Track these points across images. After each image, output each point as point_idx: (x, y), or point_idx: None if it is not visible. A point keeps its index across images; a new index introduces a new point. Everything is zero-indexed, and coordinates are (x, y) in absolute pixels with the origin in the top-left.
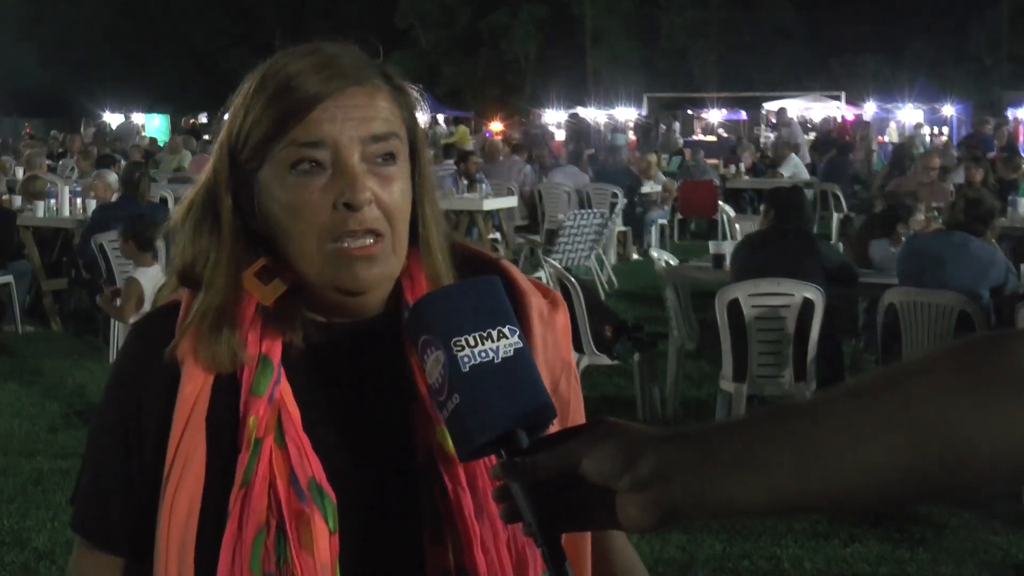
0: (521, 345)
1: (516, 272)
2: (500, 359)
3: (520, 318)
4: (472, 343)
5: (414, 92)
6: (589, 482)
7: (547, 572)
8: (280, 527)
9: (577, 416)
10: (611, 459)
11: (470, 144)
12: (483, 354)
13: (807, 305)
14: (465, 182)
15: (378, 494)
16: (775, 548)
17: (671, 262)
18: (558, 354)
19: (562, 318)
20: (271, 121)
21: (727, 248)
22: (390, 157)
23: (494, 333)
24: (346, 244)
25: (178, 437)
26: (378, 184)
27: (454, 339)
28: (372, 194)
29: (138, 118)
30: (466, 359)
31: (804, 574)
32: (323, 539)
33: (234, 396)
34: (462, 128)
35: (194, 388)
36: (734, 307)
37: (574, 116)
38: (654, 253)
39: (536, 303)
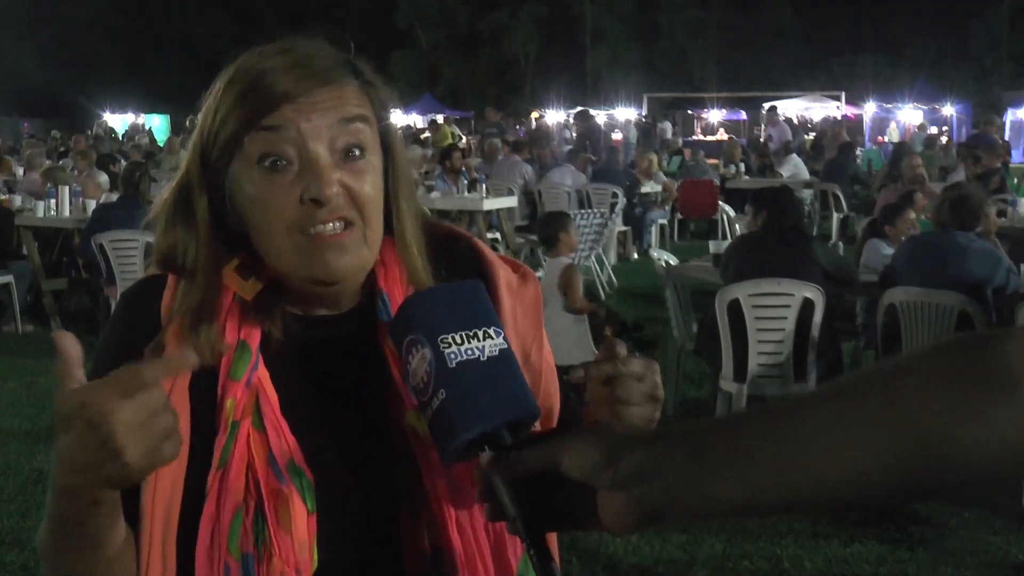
0: (506, 346)
1: (485, 247)
2: (486, 357)
3: (488, 289)
4: (459, 341)
5: (386, 88)
6: (571, 480)
7: (527, 555)
8: (259, 507)
9: (550, 387)
10: (593, 457)
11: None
12: (469, 352)
13: (807, 305)
14: (464, 182)
15: (355, 475)
16: (775, 548)
17: (671, 262)
18: (528, 324)
19: (532, 291)
20: (239, 119)
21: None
22: (359, 149)
23: (479, 333)
24: (314, 231)
25: None
26: (347, 176)
27: (440, 337)
28: (341, 186)
29: (139, 118)
30: (452, 355)
31: (804, 574)
32: (301, 519)
33: (213, 379)
34: (443, 128)
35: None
36: (734, 307)
37: (583, 114)
38: (654, 253)
39: (504, 275)
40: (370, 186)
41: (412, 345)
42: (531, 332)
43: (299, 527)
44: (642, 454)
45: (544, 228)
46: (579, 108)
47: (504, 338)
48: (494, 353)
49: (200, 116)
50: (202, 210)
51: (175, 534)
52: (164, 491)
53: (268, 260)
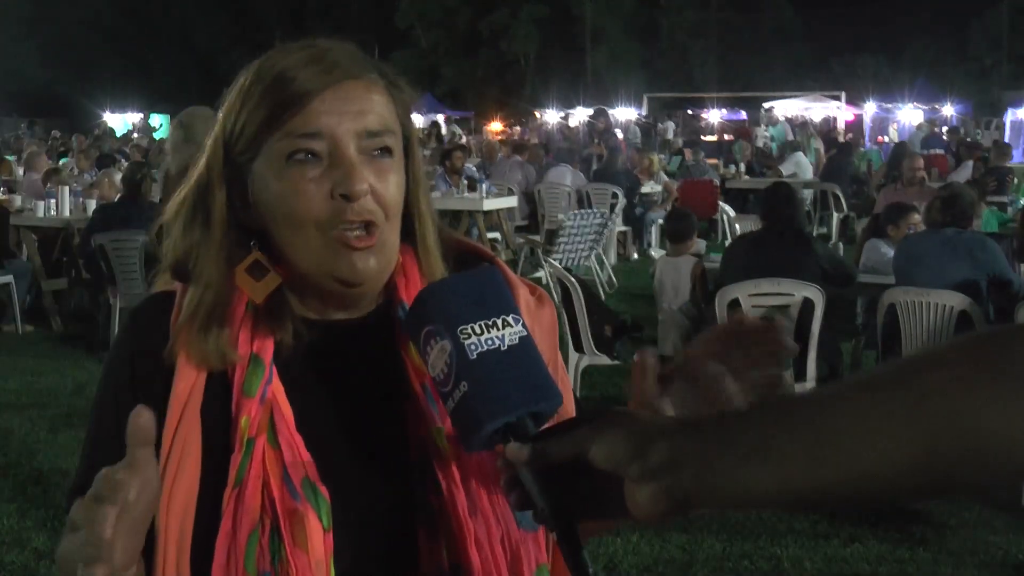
0: (525, 333)
1: (507, 268)
2: (506, 346)
3: None
4: (478, 331)
5: (408, 90)
6: (598, 470)
7: (542, 568)
8: (274, 526)
9: (567, 409)
10: (621, 446)
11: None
12: (489, 342)
13: (807, 305)
14: (464, 182)
15: (372, 491)
16: (775, 548)
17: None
18: (545, 346)
19: (548, 314)
20: (267, 113)
21: None
22: (385, 151)
23: (499, 322)
24: (343, 232)
25: (173, 429)
26: (374, 175)
27: (460, 327)
28: (369, 185)
29: (137, 118)
30: (473, 347)
31: (804, 574)
32: (317, 537)
33: (227, 394)
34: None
35: (186, 386)
36: (734, 307)
37: (602, 113)
38: (654, 253)
39: (524, 295)
40: (394, 186)
41: (431, 336)
42: (547, 354)
43: (315, 545)
44: (671, 444)
45: (670, 225)
46: (597, 107)
47: (523, 325)
48: (514, 342)
49: (222, 113)
50: (220, 206)
51: (189, 549)
52: (178, 510)
53: (290, 257)
